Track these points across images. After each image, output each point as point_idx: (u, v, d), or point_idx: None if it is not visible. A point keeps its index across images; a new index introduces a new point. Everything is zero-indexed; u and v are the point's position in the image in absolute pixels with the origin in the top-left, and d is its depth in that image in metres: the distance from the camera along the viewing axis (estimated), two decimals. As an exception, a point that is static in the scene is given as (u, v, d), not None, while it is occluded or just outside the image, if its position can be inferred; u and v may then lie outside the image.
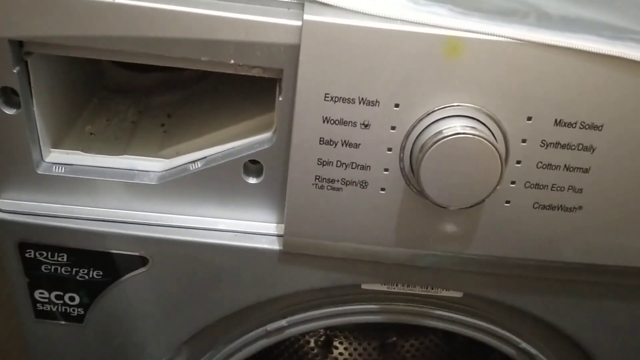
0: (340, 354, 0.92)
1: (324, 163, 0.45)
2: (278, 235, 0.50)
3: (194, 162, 0.49)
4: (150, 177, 0.50)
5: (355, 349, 0.92)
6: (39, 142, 0.49)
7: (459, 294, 0.54)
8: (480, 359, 0.84)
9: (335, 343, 0.93)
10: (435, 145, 0.41)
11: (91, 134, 0.55)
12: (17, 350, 1.06)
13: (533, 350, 0.57)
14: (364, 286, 0.53)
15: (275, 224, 0.51)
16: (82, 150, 0.51)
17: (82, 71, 0.57)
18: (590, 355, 0.57)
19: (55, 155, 0.50)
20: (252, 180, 0.49)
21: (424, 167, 0.42)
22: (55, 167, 0.50)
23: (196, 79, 0.63)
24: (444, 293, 0.54)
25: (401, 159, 0.44)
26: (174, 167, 0.50)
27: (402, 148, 0.44)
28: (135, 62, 0.45)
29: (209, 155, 0.49)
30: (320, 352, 0.92)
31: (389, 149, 0.44)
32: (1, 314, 1.16)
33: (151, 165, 0.50)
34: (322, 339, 0.92)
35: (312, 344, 0.92)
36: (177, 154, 0.51)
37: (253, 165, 0.48)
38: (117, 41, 0.43)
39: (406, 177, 0.45)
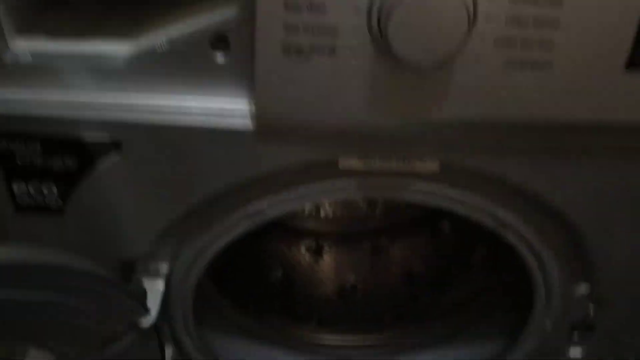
0: (333, 259, 0.93)
1: (290, 28, 0.44)
2: (251, 115, 0.50)
3: (160, 43, 0.48)
4: (117, 62, 0.49)
5: (346, 254, 0.94)
6: (3, 30, 0.48)
7: (435, 165, 0.54)
8: (465, 254, 0.86)
9: (326, 248, 0.94)
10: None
11: (57, 25, 0.54)
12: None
13: (512, 219, 0.58)
14: (340, 162, 0.53)
15: (248, 103, 0.50)
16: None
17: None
18: (565, 219, 0.58)
19: (21, 44, 0.49)
20: (220, 58, 0.48)
21: (392, 24, 0.41)
22: (22, 56, 0.49)
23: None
24: (421, 167, 0.54)
25: (369, 19, 0.43)
26: (141, 50, 0.49)
27: (369, 7, 0.43)
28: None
29: (174, 32, 0.48)
30: (312, 258, 0.94)
31: (356, 9, 0.43)
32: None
33: (118, 48, 0.49)
34: (313, 246, 0.94)
35: (303, 251, 0.94)
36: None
37: (220, 43, 0.47)
38: None
39: (375, 39, 0.44)
